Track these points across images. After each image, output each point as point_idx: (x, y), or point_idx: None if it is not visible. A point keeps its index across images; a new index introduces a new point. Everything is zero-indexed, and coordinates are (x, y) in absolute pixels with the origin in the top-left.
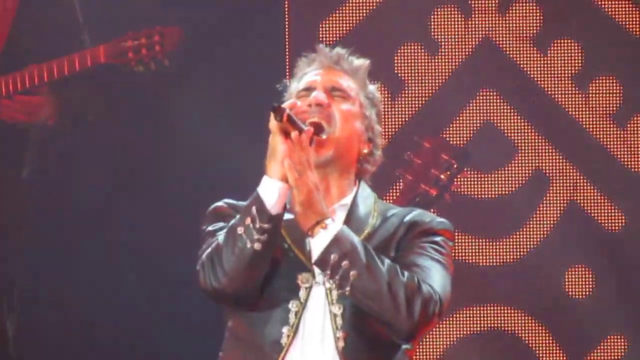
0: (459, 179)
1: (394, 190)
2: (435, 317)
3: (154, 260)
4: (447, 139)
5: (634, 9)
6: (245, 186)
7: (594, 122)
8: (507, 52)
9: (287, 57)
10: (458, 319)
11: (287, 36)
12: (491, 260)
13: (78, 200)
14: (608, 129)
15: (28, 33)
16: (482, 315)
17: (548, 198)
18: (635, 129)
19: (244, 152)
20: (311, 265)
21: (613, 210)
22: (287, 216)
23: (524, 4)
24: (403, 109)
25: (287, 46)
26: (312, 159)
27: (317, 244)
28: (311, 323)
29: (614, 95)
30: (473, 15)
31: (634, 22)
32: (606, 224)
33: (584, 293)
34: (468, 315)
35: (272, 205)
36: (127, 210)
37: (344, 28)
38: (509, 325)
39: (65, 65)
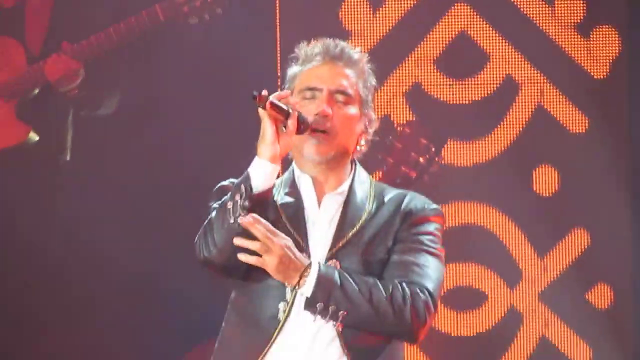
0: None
1: (377, 173)
2: (429, 315)
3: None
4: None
5: None
6: None
7: (560, 32)
8: None
9: None
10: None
11: None
12: (465, 161)
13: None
14: (572, 39)
15: (67, 18)
16: (457, 211)
17: (517, 102)
18: (597, 38)
19: None
20: (306, 245)
21: (577, 114)
22: (286, 199)
23: None
24: (383, 22)
25: None
26: (311, 151)
27: (305, 292)
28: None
29: (578, 7)
30: None
31: None
32: (571, 126)
33: (550, 191)
34: (450, 212)
35: (258, 183)
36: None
37: None
38: (483, 221)
39: (123, 28)
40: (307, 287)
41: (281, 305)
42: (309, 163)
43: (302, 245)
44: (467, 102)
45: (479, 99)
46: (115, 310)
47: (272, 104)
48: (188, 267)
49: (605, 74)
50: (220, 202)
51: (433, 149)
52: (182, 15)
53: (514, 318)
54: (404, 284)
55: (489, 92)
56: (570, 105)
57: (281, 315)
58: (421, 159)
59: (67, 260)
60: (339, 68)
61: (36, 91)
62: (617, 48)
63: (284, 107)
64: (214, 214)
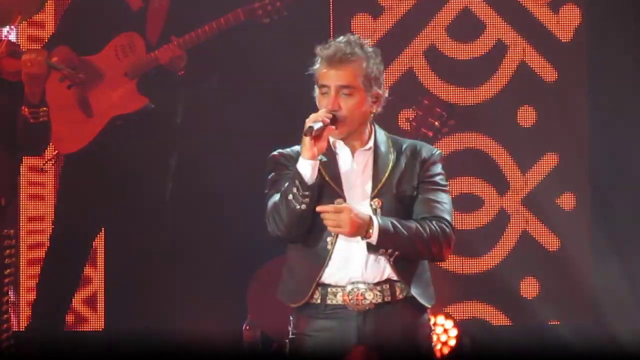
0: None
1: (404, 132)
2: (453, 242)
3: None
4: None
5: None
6: None
7: (537, 8)
8: None
9: None
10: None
11: None
12: (468, 102)
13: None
14: (546, 13)
15: (177, 20)
16: (461, 139)
17: (506, 59)
18: (564, 12)
19: None
20: (342, 191)
21: (549, 67)
22: (325, 161)
23: None
24: (409, 0)
25: None
26: (335, 134)
27: (371, 241)
28: None
29: None
30: None
31: None
32: (545, 77)
33: (529, 124)
34: (458, 139)
35: (308, 177)
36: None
37: None
38: (481, 146)
39: (215, 26)
40: (373, 238)
41: (329, 239)
42: None
43: (340, 194)
44: (469, 58)
45: (478, 56)
46: (211, 234)
47: (317, 131)
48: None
49: (570, 38)
50: (278, 176)
51: (445, 115)
52: (258, 17)
53: (503, 217)
54: (433, 221)
55: (485, 51)
56: (545, 61)
57: (329, 246)
58: (436, 123)
59: (177, 196)
60: (341, 69)
61: (152, 72)
62: (578, 20)
63: (321, 126)
64: (277, 198)
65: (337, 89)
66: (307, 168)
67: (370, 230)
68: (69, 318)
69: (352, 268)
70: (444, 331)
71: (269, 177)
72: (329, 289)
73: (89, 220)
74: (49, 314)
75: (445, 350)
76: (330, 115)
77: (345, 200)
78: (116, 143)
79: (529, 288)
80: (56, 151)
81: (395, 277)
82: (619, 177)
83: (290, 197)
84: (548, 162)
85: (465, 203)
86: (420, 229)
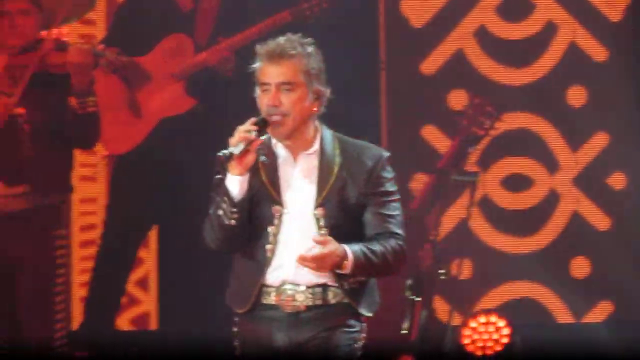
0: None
1: (454, 113)
2: (406, 255)
3: None
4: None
5: None
6: None
7: None
8: None
9: None
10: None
11: None
12: (518, 82)
13: None
14: None
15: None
16: (512, 119)
17: (556, 39)
18: None
19: None
20: (280, 198)
21: (600, 47)
22: (265, 162)
23: None
24: None
25: None
26: (272, 134)
27: (345, 272)
28: (286, 238)
29: None
30: None
31: None
32: (596, 57)
33: (580, 103)
34: (507, 120)
35: (235, 194)
36: None
37: None
38: (531, 125)
39: (263, 27)
40: (347, 270)
41: (268, 247)
42: None
43: (278, 199)
44: (519, 38)
45: (528, 36)
46: None
47: (240, 153)
48: None
49: (620, 18)
50: (220, 180)
51: (495, 114)
52: (305, 17)
53: (554, 197)
54: (392, 240)
55: (535, 31)
56: (595, 41)
57: (269, 254)
58: (487, 122)
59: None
60: (282, 65)
61: (201, 73)
62: None
63: (243, 148)
64: (212, 211)
65: (277, 85)
66: (234, 184)
67: (345, 262)
68: (123, 300)
69: (286, 269)
70: (495, 330)
71: (214, 179)
72: (264, 289)
73: (139, 221)
74: (100, 313)
75: (498, 348)
76: (255, 128)
77: (283, 207)
78: (166, 144)
79: (580, 268)
80: (107, 152)
81: (331, 283)
82: None
83: (220, 212)
84: (598, 141)
85: (516, 183)
86: (385, 252)
